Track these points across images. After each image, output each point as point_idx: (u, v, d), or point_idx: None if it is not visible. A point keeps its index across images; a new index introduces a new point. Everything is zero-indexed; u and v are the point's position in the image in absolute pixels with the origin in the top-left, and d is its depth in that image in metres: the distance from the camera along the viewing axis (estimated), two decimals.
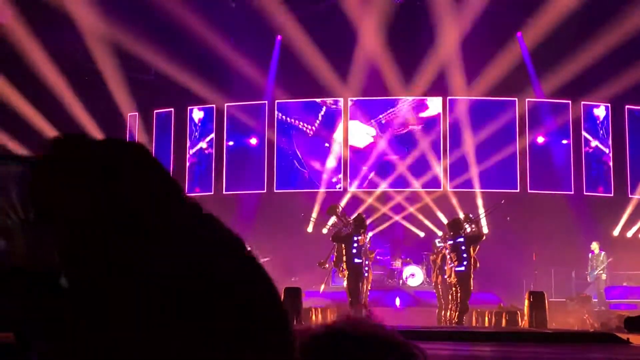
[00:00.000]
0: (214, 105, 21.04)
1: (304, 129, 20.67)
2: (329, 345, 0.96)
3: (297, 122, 20.74)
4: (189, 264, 0.76)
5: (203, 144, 21.44)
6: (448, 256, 13.62)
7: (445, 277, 13.88)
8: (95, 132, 20.58)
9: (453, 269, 13.17)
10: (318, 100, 20.64)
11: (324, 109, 20.72)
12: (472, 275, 13.11)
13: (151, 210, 0.77)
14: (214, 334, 0.75)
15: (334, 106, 20.63)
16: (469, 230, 13.97)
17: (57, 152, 0.85)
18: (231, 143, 21.20)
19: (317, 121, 20.66)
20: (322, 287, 16.39)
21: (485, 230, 16.75)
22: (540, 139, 20.32)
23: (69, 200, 0.76)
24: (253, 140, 20.95)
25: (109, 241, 0.75)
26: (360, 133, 20.52)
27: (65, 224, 0.76)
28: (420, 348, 1.01)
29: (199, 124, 21.57)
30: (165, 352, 0.72)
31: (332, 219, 14.37)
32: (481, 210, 18.02)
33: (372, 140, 20.48)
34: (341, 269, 13.55)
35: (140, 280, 0.73)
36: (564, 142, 20.34)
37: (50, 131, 20.18)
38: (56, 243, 0.77)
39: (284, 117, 20.86)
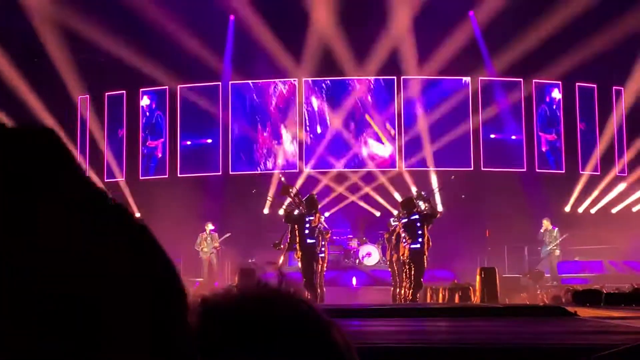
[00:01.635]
0: (166, 87, 20.80)
1: (259, 109, 20.56)
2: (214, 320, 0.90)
3: (252, 102, 20.62)
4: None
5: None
6: (402, 234, 13.70)
7: (400, 254, 13.98)
8: (45, 116, 20.21)
9: (407, 246, 13.26)
10: (273, 81, 20.55)
11: (279, 88, 20.63)
12: (426, 253, 13.22)
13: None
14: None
15: (286, 87, 20.57)
16: (423, 208, 14.03)
17: None
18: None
19: (274, 101, 20.57)
20: (276, 265, 16.37)
21: (440, 208, 16.88)
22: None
23: None
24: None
25: None
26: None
27: None
28: (343, 333, 0.94)
29: (147, 112, 21.30)
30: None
31: (288, 200, 14.32)
32: (433, 187, 18.15)
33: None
34: (296, 250, 13.55)
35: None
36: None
37: None
38: None
39: (238, 97, 20.73)
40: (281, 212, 17.71)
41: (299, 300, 0.91)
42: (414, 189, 17.69)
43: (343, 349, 0.89)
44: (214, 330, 0.87)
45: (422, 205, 13.95)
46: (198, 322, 0.88)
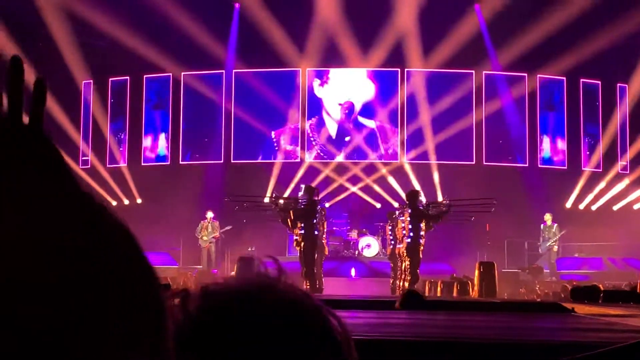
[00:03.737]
0: (170, 74, 20.78)
1: (263, 98, 20.53)
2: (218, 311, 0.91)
3: (256, 90, 20.59)
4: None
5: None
6: (403, 227, 13.69)
7: (399, 246, 13.99)
8: (49, 100, 20.18)
9: (406, 239, 13.28)
10: (277, 70, 20.51)
11: (283, 77, 20.60)
12: (421, 246, 13.21)
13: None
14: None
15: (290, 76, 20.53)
16: (426, 205, 13.95)
17: None
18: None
19: (277, 90, 20.52)
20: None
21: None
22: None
23: None
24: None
25: None
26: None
27: None
28: (341, 321, 0.95)
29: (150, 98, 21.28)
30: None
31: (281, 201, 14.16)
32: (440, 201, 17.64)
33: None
34: (296, 239, 13.57)
35: None
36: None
37: None
38: None
39: (241, 86, 20.71)
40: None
41: (297, 290, 0.92)
42: (439, 194, 17.71)
43: (341, 337, 0.91)
44: (212, 319, 0.89)
45: (438, 208, 13.84)
46: (197, 310, 0.89)
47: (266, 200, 16.40)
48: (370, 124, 20.40)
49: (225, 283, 0.93)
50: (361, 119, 20.44)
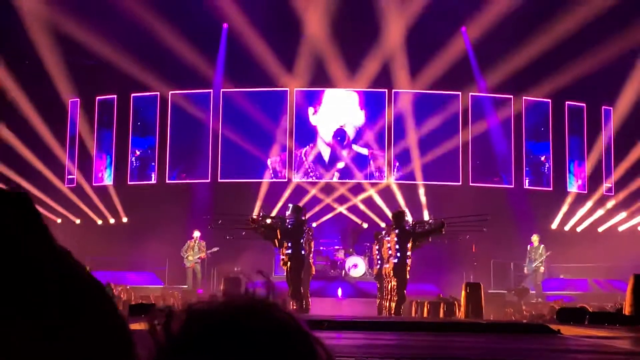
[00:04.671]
0: (157, 93, 20.76)
1: (251, 118, 20.52)
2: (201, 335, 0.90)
3: (243, 110, 20.59)
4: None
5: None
6: (389, 247, 13.68)
7: (386, 266, 13.97)
8: (36, 119, 20.14)
9: (391, 259, 13.26)
10: (264, 90, 20.55)
11: (270, 98, 20.64)
12: (408, 267, 13.19)
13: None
14: None
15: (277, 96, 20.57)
16: (412, 225, 13.95)
17: None
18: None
19: (264, 110, 20.53)
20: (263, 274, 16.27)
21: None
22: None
23: None
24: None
25: None
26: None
27: None
28: (325, 346, 0.92)
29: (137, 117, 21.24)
30: None
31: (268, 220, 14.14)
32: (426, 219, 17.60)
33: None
34: (283, 259, 13.52)
35: None
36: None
37: None
38: None
39: (229, 106, 20.71)
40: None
41: (282, 311, 0.91)
42: (425, 214, 17.72)
43: (324, 359, 0.90)
44: (196, 337, 0.88)
45: (425, 225, 13.83)
46: (180, 331, 0.88)
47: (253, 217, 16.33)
48: (363, 151, 20.51)
49: (210, 302, 0.92)
50: (355, 147, 20.54)
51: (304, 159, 20.49)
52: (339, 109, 20.54)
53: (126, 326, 0.86)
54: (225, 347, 0.86)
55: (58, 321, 0.76)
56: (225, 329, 0.87)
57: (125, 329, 0.84)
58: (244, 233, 15.29)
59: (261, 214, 14.95)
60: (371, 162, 20.52)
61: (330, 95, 20.56)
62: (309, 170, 20.46)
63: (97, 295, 0.82)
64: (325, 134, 20.59)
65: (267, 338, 0.87)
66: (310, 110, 20.57)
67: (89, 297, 0.79)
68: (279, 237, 13.28)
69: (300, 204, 15.16)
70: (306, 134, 20.65)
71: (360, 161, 20.53)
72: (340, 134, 20.57)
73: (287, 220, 13.51)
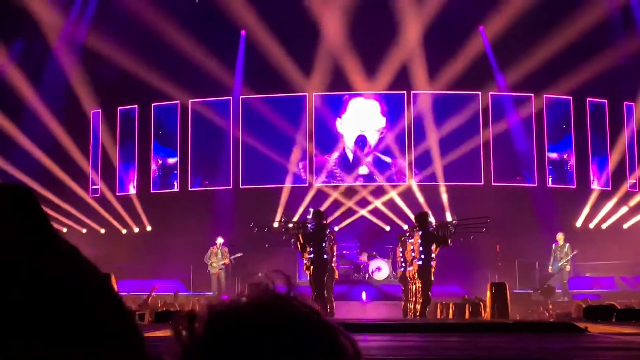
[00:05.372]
0: (178, 102, 20.90)
1: (270, 124, 20.57)
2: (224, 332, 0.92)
3: (263, 116, 20.64)
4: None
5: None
6: (412, 249, 13.64)
7: (409, 269, 13.93)
8: (58, 130, 20.35)
9: (416, 262, 13.22)
10: (283, 95, 20.60)
11: (289, 103, 20.69)
12: (432, 268, 13.14)
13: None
14: None
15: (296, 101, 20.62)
16: (435, 227, 13.84)
17: None
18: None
19: (284, 116, 20.58)
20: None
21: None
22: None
23: None
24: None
25: None
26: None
27: None
28: (352, 339, 0.92)
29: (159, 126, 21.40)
30: None
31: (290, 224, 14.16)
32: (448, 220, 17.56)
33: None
34: (306, 263, 13.54)
35: None
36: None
37: (11, 129, 19.93)
38: None
39: (248, 112, 20.79)
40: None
41: (302, 304, 0.93)
42: (448, 215, 17.66)
43: (351, 353, 0.90)
44: (220, 335, 0.89)
45: (443, 230, 13.72)
46: (204, 332, 0.90)
47: (275, 225, 16.38)
48: (387, 159, 20.51)
49: (233, 303, 0.93)
50: (380, 155, 20.54)
51: (331, 163, 20.54)
52: (361, 116, 20.57)
53: (133, 320, 0.87)
54: (248, 343, 0.87)
55: (58, 321, 0.77)
56: (247, 325, 0.88)
57: (132, 323, 0.85)
58: (284, 238, 15.19)
59: (283, 219, 14.98)
60: (392, 168, 20.54)
61: (354, 103, 20.57)
62: (336, 174, 20.49)
63: (101, 289, 0.83)
64: (349, 140, 20.63)
65: (289, 331, 0.88)
66: (338, 121, 20.61)
67: (92, 292, 0.81)
68: (301, 241, 13.30)
69: (322, 208, 15.18)
70: (332, 140, 20.67)
71: (383, 167, 20.53)
72: (361, 139, 20.59)
73: (309, 225, 13.54)
